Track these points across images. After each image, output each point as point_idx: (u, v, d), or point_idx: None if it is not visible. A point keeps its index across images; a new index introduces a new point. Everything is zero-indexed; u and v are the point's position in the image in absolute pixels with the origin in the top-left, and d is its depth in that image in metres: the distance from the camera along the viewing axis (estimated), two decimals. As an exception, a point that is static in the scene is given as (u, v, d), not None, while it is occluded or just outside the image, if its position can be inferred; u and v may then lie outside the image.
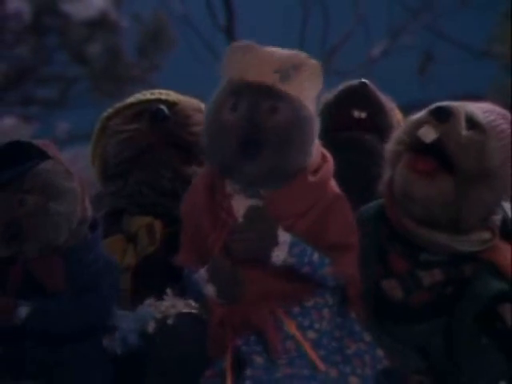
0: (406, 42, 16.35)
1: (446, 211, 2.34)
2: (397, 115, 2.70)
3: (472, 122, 2.35)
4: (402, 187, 2.38)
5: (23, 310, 2.26)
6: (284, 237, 2.34)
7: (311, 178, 2.39)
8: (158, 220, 2.59)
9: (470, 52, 15.48)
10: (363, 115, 2.58)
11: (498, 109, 2.43)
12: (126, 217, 2.62)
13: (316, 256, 2.35)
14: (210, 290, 2.33)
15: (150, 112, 2.56)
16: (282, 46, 2.48)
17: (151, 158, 2.59)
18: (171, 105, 2.62)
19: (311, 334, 2.34)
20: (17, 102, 13.43)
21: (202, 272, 2.34)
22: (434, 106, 2.35)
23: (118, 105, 2.68)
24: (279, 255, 2.32)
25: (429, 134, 2.32)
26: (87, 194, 2.42)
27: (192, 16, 16.82)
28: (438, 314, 2.38)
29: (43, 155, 2.33)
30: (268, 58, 2.42)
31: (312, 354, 2.30)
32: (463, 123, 2.33)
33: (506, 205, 2.46)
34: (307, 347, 2.30)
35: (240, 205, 2.38)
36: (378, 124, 2.62)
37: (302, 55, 2.42)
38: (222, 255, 2.34)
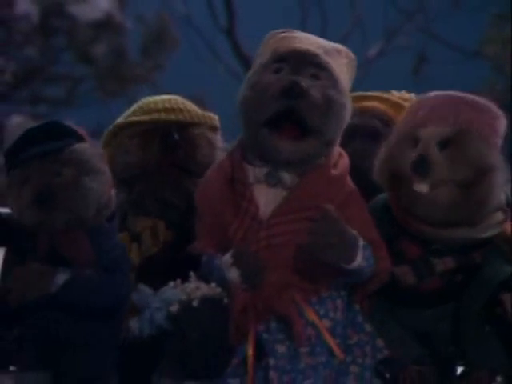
0: (401, 43, 16.39)
1: (456, 213, 2.36)
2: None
3: (443, 143, 2.39)
4: (412, 205, 2.38)
5: (61, 277, 2.32)
6: (361, 241, 2.36)
7: (333, 171, 2.43)
8: (161, 221, 2.63)
9: (463, 53, 15.53)
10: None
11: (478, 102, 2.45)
12: (130, 216, 2.68)
13: (373, 257, 2.37)
14: (234, 274, 2.37)
15: (161, 138, 2.58)
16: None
17: (156, 174, 2.62)
18: (184, 126, 2.63)
19: (326, 323, 2.38)
20: (25, 101, 13.35)
21: (227, 257, 2.39)
22: (415, 161, 2.35)
23: (132, 118, 2.66)
24: (358, 259, 2.33)
25: (422, 188, 2.35)
26: (112, 186, 2.51)
27: (194, 17, 16.82)
28: (447, 300, 2.41)
29: (79, 137, 2.43)
30: (312, 37, 2.49)
31: (331, 341, 2.34)
32: (437, 157, 2.34)
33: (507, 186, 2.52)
34: (326, 334, 2.33)
35: (262, 193, 2.41)
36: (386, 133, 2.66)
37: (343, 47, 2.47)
38: (244, 242, 2.38)
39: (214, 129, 2.67)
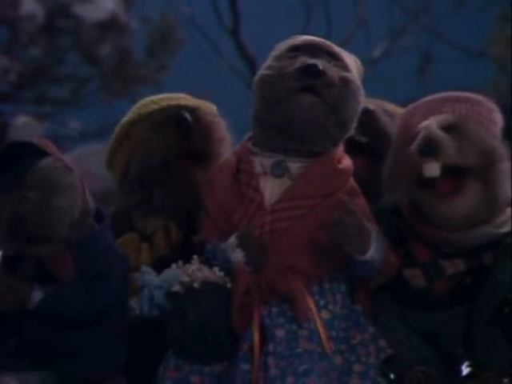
0: (406, 43, 16.38)
1: (477, 214, 2.31)
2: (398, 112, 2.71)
3: (446, 128, 2.33)
4: (431, 212, 2.34)
5: (37, 294, 2.27)
6: (373, 234, 2.33)
7: (338, 164, 2.43)
8: (172, 221, 2.56)
9: (467, 53, 15.52)
10: (363, 140, 2.57)
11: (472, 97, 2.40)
12: (139, 215, 2.61)
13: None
14: (238, 255, 2.35)
15: (176, 120, 2.54)
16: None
17: (176, 171, 2.56)
18: (192, 110, 2.59)
19: (325, 314, 2.34)
20: (30, 101, 13.35)
21: (232, 239, 2.36)
22: (420, 143, 2.33)
23: (141, 111, 2.64)
24: (371, 251, 2.30)
25: (433, 170, 2.30)
26: (87, 187, 2.39)
27: (199, 18, 16.82)
28: (457, 303, 2.37)
29: (42, 153, 2.32)
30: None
31: (323, 333, 2.31)
32: (444, 137, 2.30)
33: None
34: (320, 325, 2.32)
35: (268, 183, 2.41)
36: (377, 148, 2.62)
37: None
38: (251, 226, 2.35)
39: (214, 115, 2.69)
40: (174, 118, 2.58)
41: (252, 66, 13.51)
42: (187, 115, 2.58)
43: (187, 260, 2.37)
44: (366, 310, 2.41)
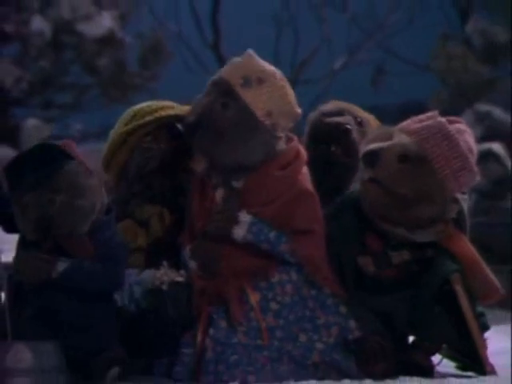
0: (362, 57, 16.40)
1: (403, 218, 2.33)
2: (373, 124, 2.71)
3: (404, 157, 2.30)
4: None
5: (62, 265, 2.27)
6: (245, 218, 2.37)
7: (277, 172, 2.39)
8: (165, 208, 2.55)
9: (415, 66, 15.54)
10: (338, 150, 2.59)
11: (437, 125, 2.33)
12: (137, 204, 2.58)
13: (272, 234, 2.36)
14: (192, 264, 2.38)
15: (168, 130, 2.53)
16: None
17: (172, 166, 2.56)
18: (178, 119, 2.57)
19: (274, 305, 2.34)
20: (38, 106, 13.27)
21: (186, 250, 2.41)
22: (364, 151, 2.34)
23: (137, 122, 2.62)
24: (239, 232, 2.36)
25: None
26: (103, 185, 2.40)
27: (184, 34, 16.77)
28: (403, 287, 2.36)
29: (67, 156, 2.32)
30: (241, 64, 2.45)
31: (262, 325, 2.30)
32: (393, 160, 2.29)
33: (463, 197, 2.43)
34: (260, 318, 2.31)
35: (220, 195, 2.42)
36: (349, 156, 2.61)
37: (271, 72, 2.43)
38: (204, 236, 2.38)
39: None
40: (165, 127, 2.59)
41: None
42: (178, 125, 2.58)
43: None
44: (336, 293, 2.39)
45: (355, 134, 2.58)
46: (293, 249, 2.38)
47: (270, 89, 2.43)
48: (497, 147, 5.39)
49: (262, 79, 2.43)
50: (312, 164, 2.46)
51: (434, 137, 2.35)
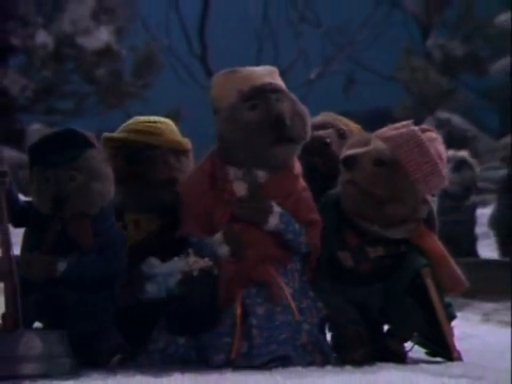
0: (335, 68, 16.45)
1: (378, 216, 2.33)
2: (354, 131, 2.69)
3: (380, 161, 2.31)
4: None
5: (61, 265, 2.26)
6: (277, 208, 2.35)
7: (294, 171, 2.42)
8: (143, 216, 2.49)
9: (382, 77, 15.59)
10: (320, 161, 2.59)
11: (407, 133, 2.33)
12: (125, 210, 2.53)
13: (297, 226, 2.35)
14: (224, 249, 2.32)
15: (127, 153, 2.46)
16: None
17: (125, 183, 2.48)
18: (149, 147, 2.49)
19: (289, 290, 2.33)
20: (42, 112, 13.19)
21: (217, 236, 2.34)
22: (343, 156, 2.35)
23: (114, 134, 2.55)
24: (273, 221, 2.33)
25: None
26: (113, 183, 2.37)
27: (175, 47, 16.76)
28: (378, 280, 2.36)
29: (90, 144, 2.33)
30: (258, 71, 2.42)
31: (292, 304, 2.30)
32: (369, 164, 2.30)
33: (432, 199, 2.42)
34: (290, 299, 2.29)
35: (240, 188, 2.38)
36: (328, 166, 2.59)
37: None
38: (232, 225, 2.33)
39: (183, 152, 2.58)
40: (127, 150, 2.52)
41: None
42: (138, 153, 2.51)
43: (161, 247, 2.37)
44: (309, 280, 2.39)
45: (335, 147, 2.59)
46: (309, 239, 2.38)
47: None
48: (467, 155, 5.49)
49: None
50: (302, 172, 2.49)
51: (407, 143, 2.35)
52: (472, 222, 5.44)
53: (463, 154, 5.74)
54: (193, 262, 2.28)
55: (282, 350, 2.25)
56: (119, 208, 2.48)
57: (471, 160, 5.70)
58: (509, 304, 4.15)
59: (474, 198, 5.60)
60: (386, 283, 2.37)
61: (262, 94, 2.37)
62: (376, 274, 2.38)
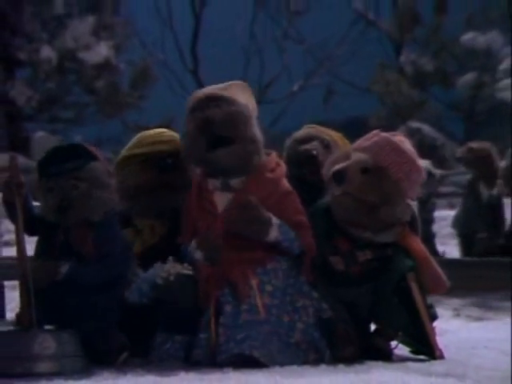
0: (315, 81, 16.45)
1: (372, 221, 2.30)
2: (339, 142, 2.61)
3: (365, 169, 2.30)
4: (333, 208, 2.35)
5: (64, 268, 2.23)
6: (275, 220, 2.27)
7: (268, 175, 2.34)
8: (157, 221, 2.47)
9: (359, 89, 15.60)
10: (307, 172, 2.54)
11: (387, 142, 2.33)
12: (135, 218, 2.51)
13: (292, 233, 2.28)
14: (198, 255, 2.30)
15: (158, 163, 2.45)
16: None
17: (155, 191, 2.48)
18: (173, 154, 2.47)
19: (269, 287, 2.27)
20: (46, 121, 13.14)
21: (193, 243, 2.32)
22: (332, 172, 2.33)
23: (135, 151, 2.53)
24: (273, 234, 2.26)
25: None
26: (115, 194, 2.35)
27: (169, 61, 16.73)
28: (366, 281, 2.35)
29: (94, 157, 2.31)
30: (212, 87, 2.37)
31: (259, 302, 2.22)
32: (357, 174, 2.29)
33: (413, 203, 2.43)
34: (258, 297, 2.22)
35: (219, 198, 2.33)
36: (316, 176, 2.52)
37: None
38: (207, 232, 2.29)
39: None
40: (156, 160, 2.50)
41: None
42: (169, 161, 2.50)
43: (171, 250, 2.33)
44: (310, 281, 2.32)
45: (321, 157, 2.53)
46: (304, 243, 2.30)
47: None
48: (430, 165, 5.55)
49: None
50: (290, 182, 2.42)
51: (384, 149, 2.36)
52: (430, 220, 5.47)
53: (426, 164, 5.83)
54: (170, 268, 2.25)
55: (237, 349, 2.14)
56: (133, 215, 2.46)
57: (433, 170, 5.81)
58: (474, 300, 4.14)
59: (433, 200, 5.66)
60: (374, 284, 2.33)
61: (200, 104, 2.32)
62: (365, 276, 2.35)
